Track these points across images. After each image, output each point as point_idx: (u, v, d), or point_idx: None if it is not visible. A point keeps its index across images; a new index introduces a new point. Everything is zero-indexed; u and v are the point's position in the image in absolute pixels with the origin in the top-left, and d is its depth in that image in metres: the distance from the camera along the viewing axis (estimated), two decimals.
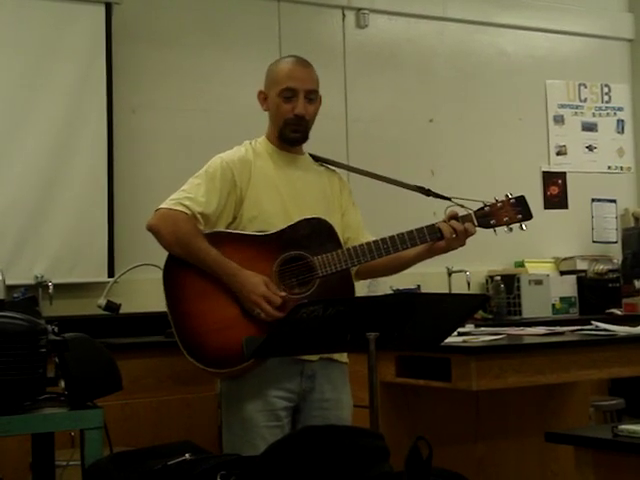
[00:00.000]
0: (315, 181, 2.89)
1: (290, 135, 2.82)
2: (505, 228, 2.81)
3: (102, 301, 4.35)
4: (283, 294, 2.64)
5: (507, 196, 2.82)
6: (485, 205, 2.80)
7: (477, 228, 2.79)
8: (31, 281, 4.56)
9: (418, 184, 3.00)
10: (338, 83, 5.55)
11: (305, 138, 2.86)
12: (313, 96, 2.83)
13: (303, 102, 2.79)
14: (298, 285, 2.69)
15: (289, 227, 2.73)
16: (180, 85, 5.14)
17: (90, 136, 4.77)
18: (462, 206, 2.80)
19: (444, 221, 2.76)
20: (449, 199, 2.84)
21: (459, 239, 2.76)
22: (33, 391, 2.27)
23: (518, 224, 2.81)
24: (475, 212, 2.79)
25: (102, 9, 4.84)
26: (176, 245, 2.67)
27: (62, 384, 2.35)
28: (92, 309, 4.46)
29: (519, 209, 2.80)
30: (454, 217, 2.77)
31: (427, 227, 2.75)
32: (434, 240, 2.75)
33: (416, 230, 2.74)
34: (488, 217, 2.79)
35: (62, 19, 4.76)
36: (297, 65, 2.84)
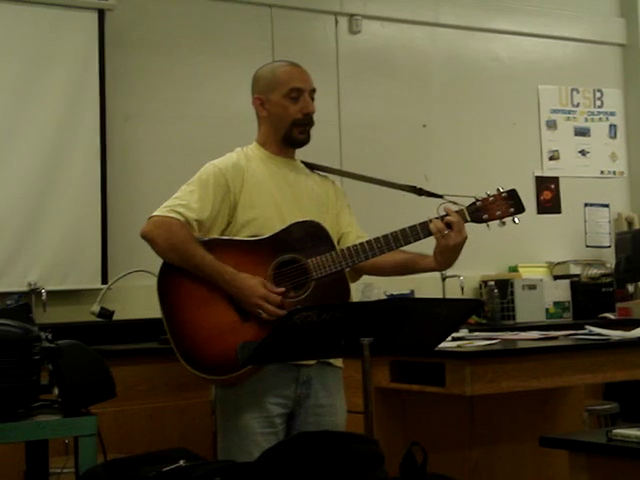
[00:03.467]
0: (308, 185, 2.90)
1: (298, 137, 2.83)
2: (498, 222, 2.80)
3: (96, 308, 4.34)
4: (282, 289, 2.66)
5: (499, 190, 2.80)
6: (477, 200, 2.79)
7: (470, 225, 2.76)
8: (24, 288, 4.54)
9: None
10: (331, 89, 5.55)
11: (309, 139, 2.87)
12: (314, 95, 2.87)
13: (310, 101, 2.82)
14: (293, 288, 2.69)
15: (282, 231, 2.74)
16: (173, 92, 5.13)
17: (83, 143, 4.76)
18: (455, 203, 2.79)
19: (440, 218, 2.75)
20: (441, 197, 2.83)
21: (460, 233, 2.72)
22: (27, 398, 2.27)
23: (511, 217, 2.79)
24: (467, 207, 2.77)
25: (95, 16, 4.83)
26: (171, 252, 2.67)
27: (56, 391, 2.35)
28: (86, 316, 4.45)
29: (511, 202, 2.79)
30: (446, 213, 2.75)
31: (420, 224, 2.74)
32: (427, 236, 2.74)
33: (409, 228, 2.74)
34: (480, 212, 2.77)
35: (54, 26, 4.75)
36: (295, 67, 2.87)
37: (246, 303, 2.64)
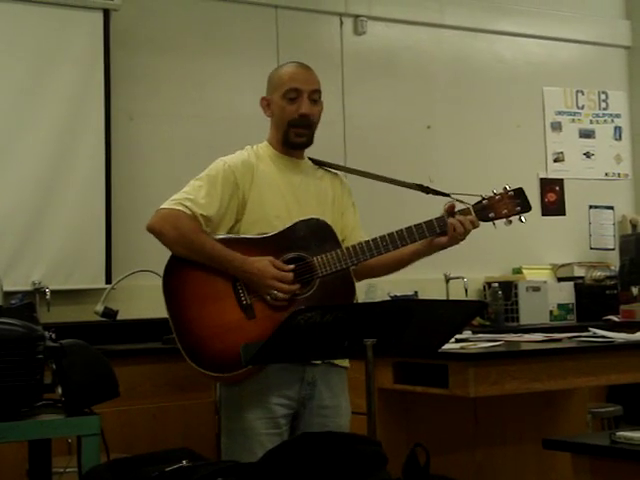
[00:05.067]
0: (316, 185, 2.90)
1: (295, 140, 2.82)
2: (504, 221, 2.80)
3: (99, 307, 4.34)
4: (292, 266, 2.67)
5: (505, 189, 2.81)
6: (483, 198, 2.79)
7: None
8: (28, 287, 4.54)
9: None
10: (336, 90, 5.55)
11: (310, 142, 2.86)
12: (316, 96, 2.84)
13: (307, 102, 2.80)
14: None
15: (287, 229, 2.74)
16: (178, 92, 5.13)
17: (88, 143, 4.76)
18: (461, 201, 2.80)
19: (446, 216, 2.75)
20: (448, 195, 2.84)
21: (461, 234, 2.74)
22: (30, 398, 2.27)
23: (517, 216, 2.80)
24: (474, 206, 2.78)
25: (100, 16, 4.83)
26: (179, 243, 2.67)
27: (59, 390, 2.35)
28: (89, 315, 4.45)
29: (518, 201, 2.80)
30: (452, 211, 2.76)
31: (426, 223, 2.75)
32: (433, 236, 2.75)
33: (415, 226, 2.74)
34: (487, 210, 2.78)
35: (60, 26, 4.75)
36: (299, 68, 2.87)
37: (259, 286, 2.64)
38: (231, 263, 2.66)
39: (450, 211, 2.76)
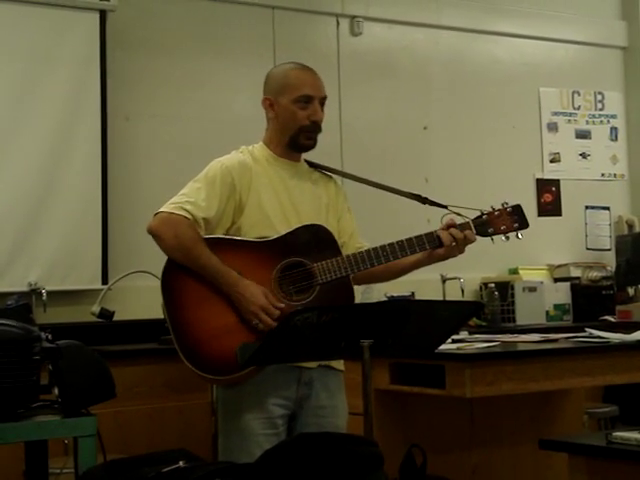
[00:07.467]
0: (311, 188, 2.89)
1: (304, 142, 2.83)
2: (502, 236, 2.83)
3: (96, 308, 4.34)
4: (282, 305, 2.64)
5: (504, 205, 2.85)
6: (482, 214, 2.83)
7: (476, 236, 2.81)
8: (25, 288, 4.54)
9: (412, 192, 3.02)
10: (332, 91, 5.48)
11: (315, 144, 2.87)
12: (324, 102, 2.86)
13: (319, 108, 2.82)
14: (297, 292, 2.69)
15: (289, 233, 2.73)
16: (174, 92, 5.13)
17: (84, 143, 4.76)
18: (459, 214, 2.83)
19: (442, 229, 2.78)
20: (445, 207, 2.86)
21: (458, 247, 2.78)
22: (26, 399, 2.27)
23: (515, 233, 2.84)
24: (473, 220, 2.82)
25: (96, 16, 4.83)
26: (177, 250, 2.66)
27: (56, 391, 2.35)
28: (86, 316, 4.45)
29: (516, 218, 2.84)
30: (452, 225, 2.78)
31: (426, 235, 2.77)
32: (433, 248, 2.77)
33: (415, 238, 2.76)
34: (486, 225, 2.82)
35: (56, 27, 4.75)
36: (308, 72, 2.86)
37: (244, 310, 2.63)
38: (225, 279, 2.64)
39: (450, 225, 2.79)
